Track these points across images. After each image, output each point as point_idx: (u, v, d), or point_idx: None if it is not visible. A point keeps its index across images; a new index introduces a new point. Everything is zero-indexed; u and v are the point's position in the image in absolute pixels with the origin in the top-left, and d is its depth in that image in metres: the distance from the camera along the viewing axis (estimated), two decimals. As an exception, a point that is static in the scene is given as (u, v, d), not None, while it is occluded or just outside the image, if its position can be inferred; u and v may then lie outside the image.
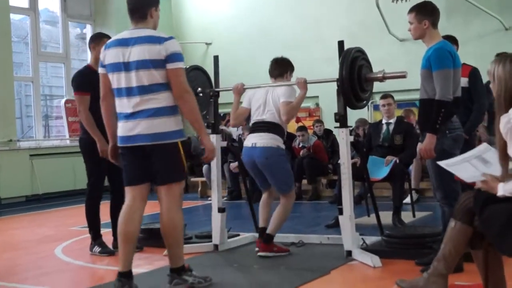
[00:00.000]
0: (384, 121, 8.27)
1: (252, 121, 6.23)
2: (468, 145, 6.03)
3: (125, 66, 4.76)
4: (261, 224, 6.24)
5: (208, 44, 15.20)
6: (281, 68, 6.31)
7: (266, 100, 6.13)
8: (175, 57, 4.73)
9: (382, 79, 5.98)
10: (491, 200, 3.49)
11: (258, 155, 6.03)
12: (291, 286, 4.92)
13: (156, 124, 4.71)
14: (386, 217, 7.29)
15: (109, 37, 6.60)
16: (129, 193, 4.89)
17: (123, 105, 4.82)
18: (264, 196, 6.38)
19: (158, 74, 4.71)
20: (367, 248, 5.87)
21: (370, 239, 6.22)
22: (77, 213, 6.46)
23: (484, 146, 3.78)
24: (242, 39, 14.38)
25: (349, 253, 5.78)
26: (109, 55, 4.86)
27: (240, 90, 6.40)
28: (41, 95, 14.29)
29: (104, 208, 6.64)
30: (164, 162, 4.78)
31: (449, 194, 4.97)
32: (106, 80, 4.93)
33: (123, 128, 4.83)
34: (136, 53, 4.72)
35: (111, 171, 6.53)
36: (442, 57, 4.96)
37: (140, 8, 4.88)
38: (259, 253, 6.00)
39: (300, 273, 5.34)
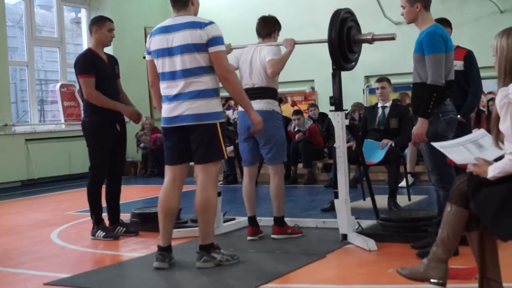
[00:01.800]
0: (379, 105, 8.26)
1: (243, 88, 5.99)
2: (464, 129, 6.04)
3: (169, 51, 5.02)
4: (249, 213, 6.21)
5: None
6: (269, 27, 6.23)
7: (251, 60, 6.06)
8: (217, 40, 4.97)
9: (371, 40, 6.01)
10: (485, 183, 3.49)
11: None
12: (287, 270, 4.93)
13: (198, 106, 4.97)
14: (382, 200, 7.30)
15: (111, 21, 6.73)
16: (170, 172, 5.20)
17: (167, 88, 5.08)
18: (246, 180, 6.26)
19: (201, 57, 4.96)
20: (362, 232, 5.88)
21: (366, 223, 6.24)
22: (73, 197, 6.46)
23: (481, 131, 3.78)
24: (237, 24, 14.29)
25: (345, 236, 5.80)
26: (154, 42, 5.13)
27: (227, 50, 6.15)
28: (36, 79, 14.23)
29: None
30: (203, 142, 5.01)
31: (444, 177, 4.98)
32: (153, 66, 5.20)
33: (166, 110, 5.10)
34: (179, 38, 4.97)
35: (113, 155, 6.59)
36: (434, 41, 4.94)
37: None
38: (273, 236, 6.06)
39: (296, 257, 5.35)
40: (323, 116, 11.96)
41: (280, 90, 15.17)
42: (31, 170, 12.69)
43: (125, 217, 7.22)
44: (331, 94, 5.83)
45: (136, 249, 6.01)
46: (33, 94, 13.79)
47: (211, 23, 5.00)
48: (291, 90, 14.46)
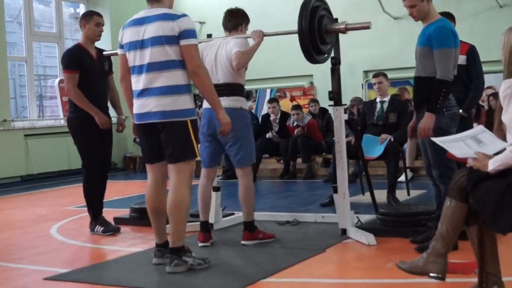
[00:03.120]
0: (378, 100, 8.26)
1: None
2: (466, 123, 6.04)
3: (141, 44, 4.85)
4: (203, 217, 5.84)
5: (202, 23, 15.12)
6: (235, 19, 5.89)
7: (216, 54, 5.71)
8: (188, 33, 4.78)
9: (345, 30, 5.73)
10: (484, 178, 3.49)
11: None
12: (286, 265, 4.93)
13: (167, 102, 4.76)
14: (381, 195, 7.31)
15: (100, 15, 6.60)
16: (150, 171, 5.06)
17: (136, 82, 4.91)
18: (202, 181, 5.87)
19: (172, 50, 4.77)
20: (361, 227, 5.89)
21: (365, 218, 6.24)
22: (72, 192, 6.47)
23: (479, 127, 3.78)
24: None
25: (344, 231, 5.80)
26: (126, 35, 4.97)
27: None
28: (35, 75, 14.23)
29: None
30: (173, 140, 4.82)
31: (445, 172, 4.97)
32: (124, 60, 5.02)
33: (136, 105, 4.92)
34: (150, 30, 4.80)
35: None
36: (445, 36, 4.90)
37: None
38: (243, 242, 5.68)
39: (295, 252, 5.36)
40: (323, 111, 11.97)
41: (279, 85, 15.31)
42: (30, 166, 12.69)
43: (124, 212, 7.25)
44: (330, 89, 5.81)
45: (135, 244, 6.01)
46: (32, 89, 13.78)
47: (184, 15, 4.83)
48: (289, 85, 14.47)
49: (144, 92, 4.83)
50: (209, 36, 6.14)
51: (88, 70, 6.41)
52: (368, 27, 5.67)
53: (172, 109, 4.77)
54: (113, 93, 6.74)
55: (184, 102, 4.82)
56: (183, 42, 4.77)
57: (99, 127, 6.39)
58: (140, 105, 4.87)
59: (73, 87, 6.34)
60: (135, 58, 4.89)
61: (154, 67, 4.79)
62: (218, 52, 5.73)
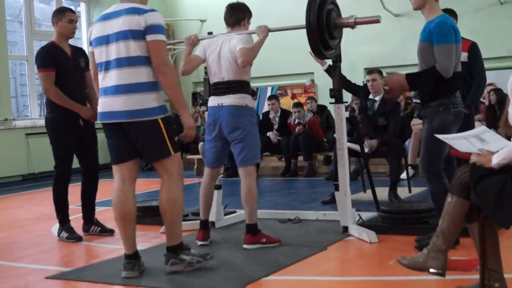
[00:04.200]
0: (371, 97, 8.20)
1: (212, 82, 5.65)
2: (468, 120, 6.04)
3: (106, 39, 4.66)
4: (203, 216, 5.76)
5: (202, 21, 15.14)
6: (238, 14, 5.68)
7: (220, 51, 5.55)
8: (155, 28, 4.57)
9: (354, 24, 5.57)
10: (487, 174, 3.49)
11: (226, 114, 5.49)
12: (288, 262, 4.93)
13: (133, 100, 4.57)
14: (382, 192, 7.30)
15: (73, 11, 6.38)
16: (117, 172, 4.83)
17: (102, 79, 4.72)
18: (206, 180, 5.79)
19: (138, 46, 4.56)
20: (363, 224, 5.89)
21: (366, 215, 6.24)
22: (73, 191, 6.43)
23: (482, 128, 3.78)
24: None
25: (346, 229, 5.81)
26: (94, 31, 4.80)
27: (193, 42, 5.81)
28: (36, 73, 14.22)
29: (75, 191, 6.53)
30: (145, 140, 4.67)
31: (430, 167, 4.96)
32: (94, 57, 4.83)
33: (101, 104, 4.73)
34: (116, 25, 4.61)
35: (83, 152, 6.41)
36: (445, 32, 4.87)
37: None
38: (244, 246, 5.48)
39: (296, 249, 5.36)
40: (322, 108, 11.97)
41: (280, 82, 15.30)
42: (31, 164, 12.69)
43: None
44: (331, 87, 5.81)
45: (137, 242, 6.00)
46: (33, 88, 13.79)
47: (152, 10, 4.60)
48: (291, 82, 14.46)
49: (110, 89, 4.64)
50: (210, 34, 5.97)
51: (63, 67, 6.22)
52: (377, 21, 5.54)
53: (137, 108, 4.57)
54: (90, 90, 6.43)
55: (153, 100, 4.61)
56: (149, 38, 4.55)
57: (76, 127, 6.22)
58: (105, 104, 4.68)
59: (51, 85, 6.15)
60: (101, 55, 4.70)
61: (118, 63, 4.60)
62: (221, 49, 5.55)
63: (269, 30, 5.62)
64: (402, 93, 4.95)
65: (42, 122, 13.37)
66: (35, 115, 13.77)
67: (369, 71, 8.44)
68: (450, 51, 4.87)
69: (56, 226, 7.03)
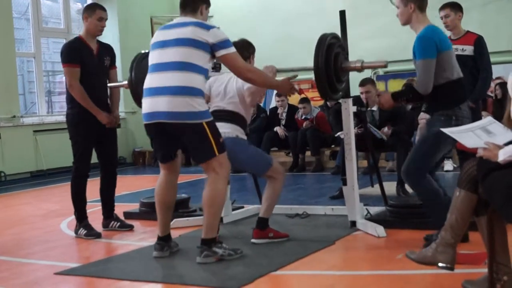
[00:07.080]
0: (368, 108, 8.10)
1: (212, 108, 5.56)
2: (474, 114, 6.02)
3: (164, 43, 4.89)
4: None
5: (209, 17, 15.13)
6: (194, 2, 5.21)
7: (226, 87, 5.62)
8: (226, 43, 4.86)
9: (361, 69, 5.56)
10: (494, 168, 3.49)
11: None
12: (296, 257, 4.94)
13: (177, 102, 4.73)
14: (390, 187, 7.30)
15: (103, 9, 6.37)
16: (162, 168, 5.20)
17: (150, 80, 4.92)
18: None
19: (197, 55, 4.79)
20: (371, 218, 5.89)
21: (374, 209, 6.24)
22: (89, 186, 6.42)
23: (488, 119, 3.77)
24: (244, 12, 14.24)
25: (354, 223, 5.81)
26: (154, 37, 5.07)
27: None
28: (44, 71, 14.23)
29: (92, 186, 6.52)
30: (191, 143, 4.90)
31: (411, 171, 4.92)
32: None
33: (145, 105, 4.91)
34: (179, 32, 4.86)
35: (101, 147, 6.41)
36: (424, 47, 4.78)
37: (192, 2, 5.07)
38: (252, 240, 5.49)
39: (304, 244, 5.37)
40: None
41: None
42: (40, 161, 12.71)
43: (134, 206, 7.25)
44: (339, 82, 5.78)
45: (145, 238, 6.03)
46: (41, 85, 13.81)
47: (214, 27, 4.91)
48: (298, 78, 14.37)
49: (156, 90, 4.81)
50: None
51: (86, 65, 6.18)
52: (385, 66, 5.66)
53: (182, 110, 4.72)
54: (113, 88, 6.52)
55: (198, 104, 4.77)
56: (223, 52, 4.84)
57: (96, 123, 6.19)
58: (149, 105, 4.86)
59: (76, 81, 6.10)
60: (153, 57, 4.95)
61: (171, 66, 4.80)
62: (228, 85, 5.64)
63: (277, 71, 5.83)
64: (388, 102, 4.96)
65: (50, 119, 13.59)
66: (43, 112, 13.78)
67: (362, 83, 8.20)
68: (428, 66, 4.75)
69: (64, 223, 7.08)
